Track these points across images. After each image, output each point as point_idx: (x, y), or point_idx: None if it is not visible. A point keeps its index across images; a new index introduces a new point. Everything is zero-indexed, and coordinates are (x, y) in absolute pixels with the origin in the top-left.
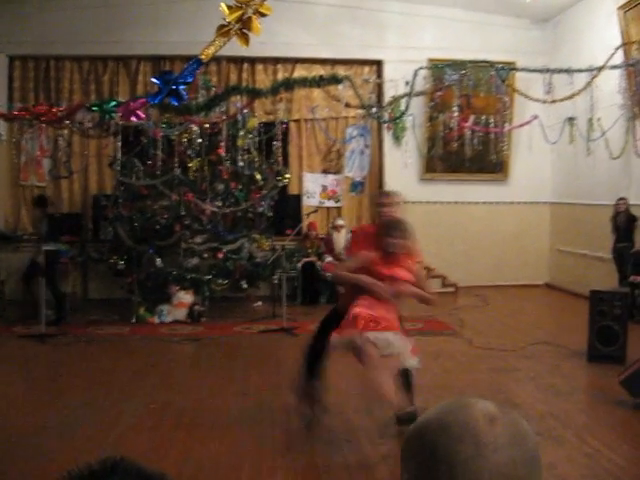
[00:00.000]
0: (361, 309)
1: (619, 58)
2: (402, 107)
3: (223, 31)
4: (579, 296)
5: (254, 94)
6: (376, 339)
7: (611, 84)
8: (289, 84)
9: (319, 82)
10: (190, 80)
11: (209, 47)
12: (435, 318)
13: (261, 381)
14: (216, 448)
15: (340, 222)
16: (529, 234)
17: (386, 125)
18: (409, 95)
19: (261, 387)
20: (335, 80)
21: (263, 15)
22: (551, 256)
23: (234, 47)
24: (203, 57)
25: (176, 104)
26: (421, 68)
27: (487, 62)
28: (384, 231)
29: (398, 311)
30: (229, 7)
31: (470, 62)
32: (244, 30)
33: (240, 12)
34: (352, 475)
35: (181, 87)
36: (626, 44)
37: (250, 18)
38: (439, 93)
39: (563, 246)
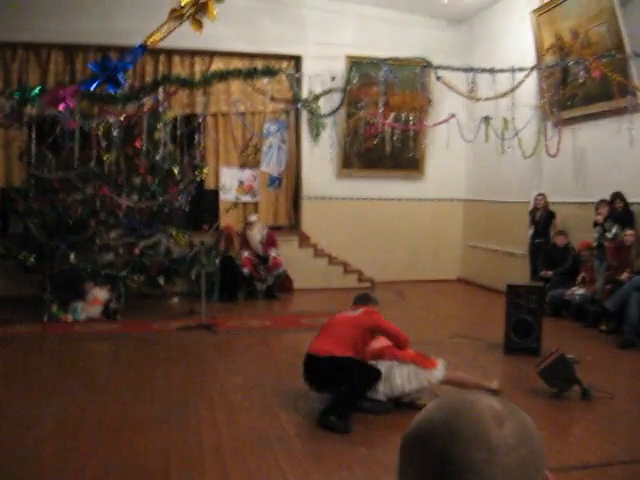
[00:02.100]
0: None
1: (532, 60)
2: (320, 103)
3: (175, 15)
4: (490, 290)
5: (184, 85)
6: None
7: (524, 85)
8: (222, 75)
9: (252, 74)
10: (130, 67)
11: (156, 32)
12: None
13: (183, 378)
14: (142, 448)
15: (252, 219)
16: (443, 230)
17: (308, 120)
18: (335, 91)
19: (184, 384)
20: (269, 72)
21: (219, 1)
22: (464, 252)
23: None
24: (149, 43)
25: (113, 92)
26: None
27: (420, 60)
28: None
29: None
30: None
31: (391, 60)
32: (197, 15)
33: None
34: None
35: (119, 74)
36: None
37: (206, 3)
38: (361, 90)
39: (475, 242)
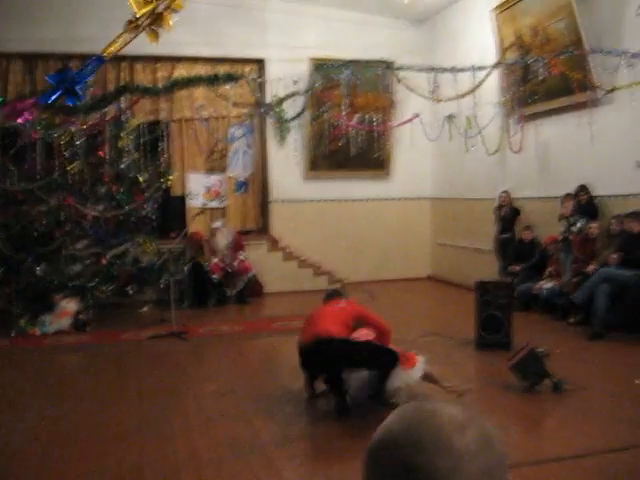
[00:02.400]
0: None
1: (493, 58)
2: (285, 106)
3: (131, 27)
4: (460, 287)
5: (147, 93)
6: None
7: (486, 83)
8: (185, 83)
9: (214, 81)
10: (89, 78)
11: (113, 44)
12: None
13: (156, 387)
14: (116, 460)
15: (217, 224)
16: (411, 229)
17: (273, 124)
18: (299, 94)
19: (156, 393)
20: (231, 78)
21: (175, 11)
22: (433, 249)
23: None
24: (106, 54)
25: (72, 104)
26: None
27: (381, 62)
28: None
29: None
30: (138, 2)
31: (353, 61)
32: (153, 26)
33: (150, 7)
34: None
35: (78, 86)
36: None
37: (161, 14)
38: (324, 92)
39: (444, 239)
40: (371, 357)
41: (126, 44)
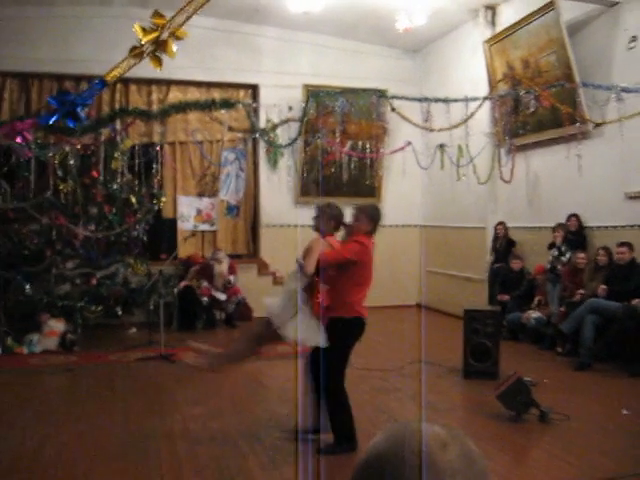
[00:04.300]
0: None
1: (484, 89)
2: (278, 131)
3: (135, 53)
4: (449, 315)
5: (143, 116)
6: None
7: (477, 113)
8: (180, 107)
9: (211, 106)
10: (90, 101)
11: (115, 68)
12: None
13: (142, 410)
14: None
15: (220, 254)
16: (401, 256)
17: (266, 149)
18: (293, 120)
19: (143, 416)
20: (228, 104)
21: (179, 38)
22: (421, 277)
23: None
24: (108, 79)
25: (72, 126)
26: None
27: (376, 90)
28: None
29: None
30: (143, 29)
31: (347, 89)
32: (157, 53)
33: (155, 34)
34: None
35: (79, 108)
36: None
37: (166, 41)
38: (318, 118)
39: (433, 267)
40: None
41: (129, 69)
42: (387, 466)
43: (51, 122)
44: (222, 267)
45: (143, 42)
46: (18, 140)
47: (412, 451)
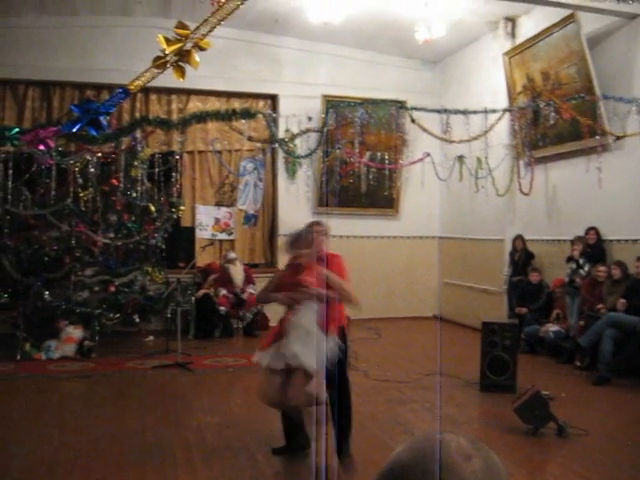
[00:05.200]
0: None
1: (504, 101)
2: (297, 142)
3: (159, 63)
4: (466, 327)
5: (163, 126)
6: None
7: (497, 125)
8: (201, 117)
9: (232, 116)
10: (112, 110)
11: (139, 78)
12: None
13: (158, 418)
14: None
15: (233, 255)
16: (418, 267)
17: (285, 159)
18: (312, 130)
19: (159, 424)
20: (248, 114)
21: (202, 49)
22: (439, 289)
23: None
24: (132, 88)
25: (95, 134)
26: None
27: (396, 101)
28: (288, 247)
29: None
30: (167, 39)
31: (366, 100)
32: (180, 63)
33: (179, 45)
34: None
35: (101, 117)
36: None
37: (189, 51)
38: (337, 129)
39: (451, 279)
40: None
41: (152, 79)
42: (411, 476)
43: (74, 130)
44: (237, 267)
45: (167, 52)
46: (41, 147)
47: (435, 462)
